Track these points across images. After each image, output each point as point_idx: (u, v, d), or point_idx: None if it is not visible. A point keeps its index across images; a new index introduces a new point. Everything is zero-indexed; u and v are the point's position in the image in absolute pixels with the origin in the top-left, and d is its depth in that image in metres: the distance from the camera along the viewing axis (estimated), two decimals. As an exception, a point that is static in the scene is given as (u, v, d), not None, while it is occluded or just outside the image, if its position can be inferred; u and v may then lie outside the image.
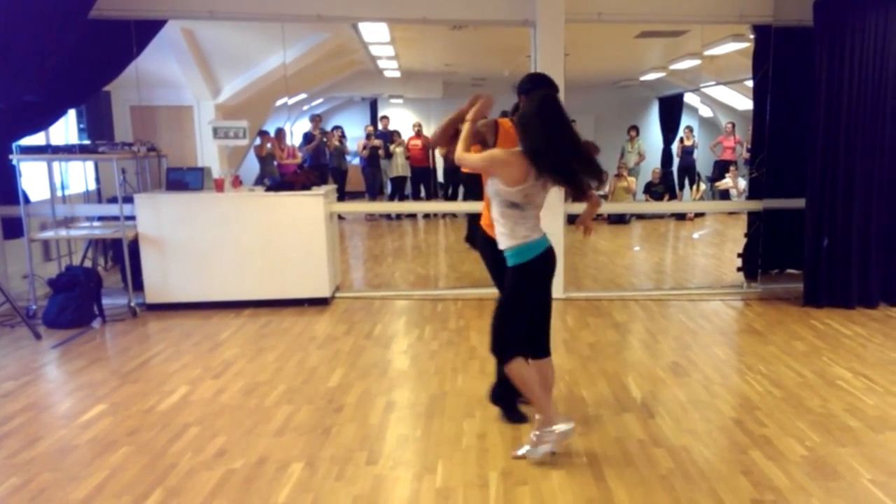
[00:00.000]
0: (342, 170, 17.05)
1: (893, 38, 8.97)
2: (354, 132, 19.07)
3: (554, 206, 9.32)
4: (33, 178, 9.89)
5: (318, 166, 15.87)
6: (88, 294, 8.77)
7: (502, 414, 5.88)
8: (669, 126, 19.68)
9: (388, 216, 16.09)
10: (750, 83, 10.26)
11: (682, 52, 15.05)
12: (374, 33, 12.71)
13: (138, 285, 9.26)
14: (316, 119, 17.13)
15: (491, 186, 4.92)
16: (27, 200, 9.21)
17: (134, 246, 9.16)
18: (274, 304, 9.35)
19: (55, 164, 9.76)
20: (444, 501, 4.58)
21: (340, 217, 11.79)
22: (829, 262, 9.20)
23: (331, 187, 10.08)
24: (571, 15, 9.40)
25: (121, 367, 7.23)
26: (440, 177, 18.35)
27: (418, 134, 18.33)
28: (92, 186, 11.46)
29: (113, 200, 9.65)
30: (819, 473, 4.90)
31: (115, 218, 9.26)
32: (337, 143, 17.39)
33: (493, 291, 5.53)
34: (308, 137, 16.64)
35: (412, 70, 18.72)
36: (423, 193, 18.56)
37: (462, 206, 14.85)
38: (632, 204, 17.53)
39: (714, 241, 15.64)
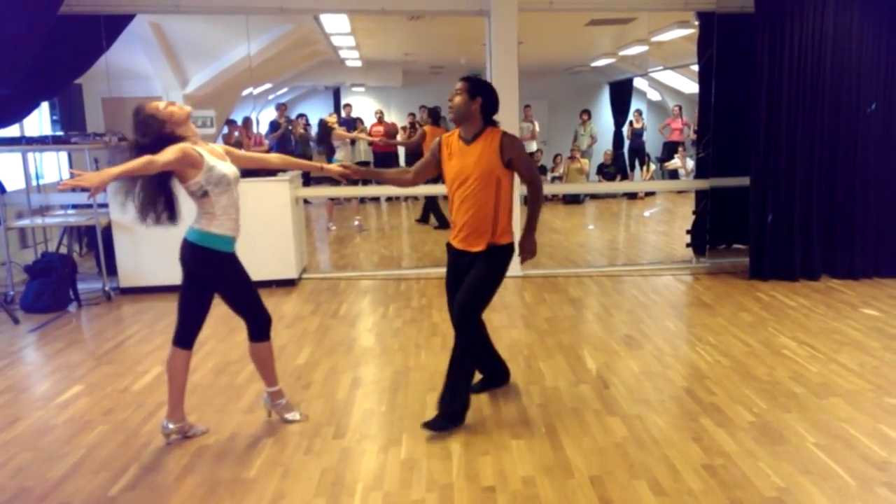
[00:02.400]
0: (307, 156, 16.92)
1: (831, 24, 9.01)
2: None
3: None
4: (8, 168, 9.77)
5: (284, 153, 15.75)
6: (64, 279, 8.66)
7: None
8: (620, 110, 19.77)
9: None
10: (695, 67, 10.28)
11: (631, 39, 15.08)
12: (335, 24, 12.63)
13: (112, 270, 9.17)
14: (281, 108, 16.99)
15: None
16: (3, 190, 9.09)
17: (107, 232, 9.06)
18: (244, 286, 9.27)
19: (30, 155, 9.64)
20: (409, 472, 4.56)
21: (306, 201, 11.71)
22: (773, 237, 9.25)
23: (296, 173, 10.00)
24: (524, 4, 9.37)
25: (96, 349, 7.16)
26: (402, 162, 18.25)
27: (380, 121, 18.25)
28: (66, 176, 11.33)
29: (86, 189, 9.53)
30: (766, 438, 4.93)
31: (89, 206, 9.15)
32: (302, 130, 17.24)
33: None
34: (274, 125, 16.50)
35: (373, 59, 18.65)
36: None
37: (422, 190, 14.82)
38: (585, 184, 17.53)
39: (664, 218, 15.70)
